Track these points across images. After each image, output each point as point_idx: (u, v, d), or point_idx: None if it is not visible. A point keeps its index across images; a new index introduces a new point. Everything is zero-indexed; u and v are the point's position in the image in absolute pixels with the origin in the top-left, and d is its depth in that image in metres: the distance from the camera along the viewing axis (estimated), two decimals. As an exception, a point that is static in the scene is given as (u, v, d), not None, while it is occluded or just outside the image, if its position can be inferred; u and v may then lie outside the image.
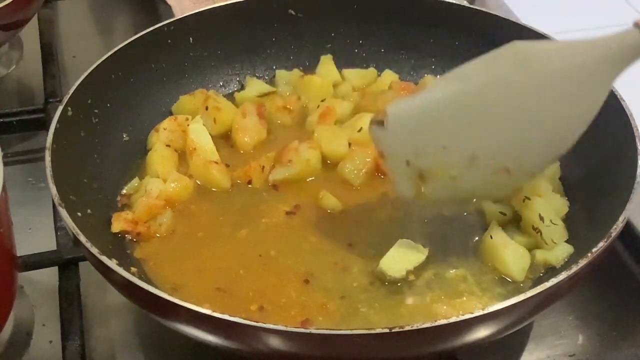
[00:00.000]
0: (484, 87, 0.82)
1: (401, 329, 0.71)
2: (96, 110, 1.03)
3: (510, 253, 0.90)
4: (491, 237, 0.92)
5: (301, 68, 1.20)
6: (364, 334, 0.71)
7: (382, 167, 1.02)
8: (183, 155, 1.06)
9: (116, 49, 1.07)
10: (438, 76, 1.18)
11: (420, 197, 0.87)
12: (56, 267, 0.98)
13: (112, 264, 0.79)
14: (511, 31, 1.10)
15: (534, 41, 0.86)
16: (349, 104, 1.13)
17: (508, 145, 0.83)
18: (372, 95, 1.14)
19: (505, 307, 0.73)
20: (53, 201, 0.86)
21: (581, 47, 0.82)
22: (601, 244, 0.79)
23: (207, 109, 1.09)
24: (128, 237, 0.95)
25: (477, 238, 0.95)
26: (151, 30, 1.11)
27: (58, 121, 0.94)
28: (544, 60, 0.81)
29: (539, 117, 0.82)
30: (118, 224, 0.95)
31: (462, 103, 0.83)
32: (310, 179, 1.03)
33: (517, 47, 0.83)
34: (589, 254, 0.78)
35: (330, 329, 0.72)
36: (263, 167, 1.03)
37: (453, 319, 0.71)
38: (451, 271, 0.91)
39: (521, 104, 0.81)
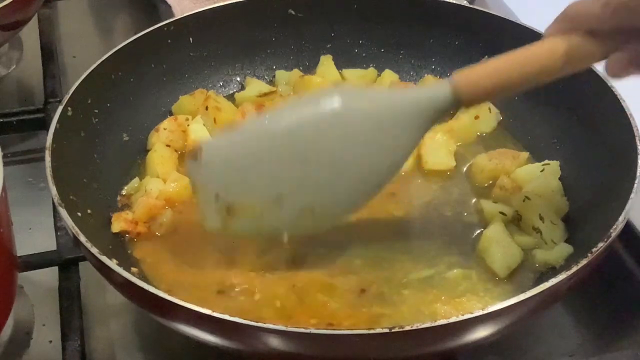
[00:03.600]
0: (293, 129, 0.84)
1: (401, 329, 0.71)
2: (96, 110, 1.02)
3: (498, 249, 0.90)
4: (487, 232, 0.92)
5: (301, 68, 1.20)
6: (364, 334, 0.71)
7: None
8: (183, 155, 1.06)
9: (116, 49, 1.07)
10: (438, 76, 1.18)
11: (227, 231, 0.87)
12: (56, 267, 0.97)
13: (112, 264, 0.79)
14: (511, 31, 1.10)
15: (352, 87, 0.89)
16: (349, 104, 1.13)
17: (313, 188, 0.84)
18: (372, 95, 1.13)
19: (505, 307, 0.73)
20: (53, 201, 0.86)
21: (395, 98, 0.85)
22: (601, 244, 0.79)
23: (207, 109, 1.09)
24: (128, 237, 0.95)
25: (476, 239, 0.95)
26: (151, 30, 1.11)
27: (58, 121, 0.94)
28: (355, 107, 0.83)
29: (344, 162, 0.83)
30: (118, 224, 0.95)
31: (272, 143, 0.85)
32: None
33: (333, 92, 0.85)
34: (589, 254, 0.78)
35: (330, 329, 0.72)
36: (263, 167, 1.02)
37: (453, 319, 0.71)
38: (451, 271, 0.91)
39: (328, 148, 0.83)
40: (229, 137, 0.89)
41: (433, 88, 0.83)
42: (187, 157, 0.89)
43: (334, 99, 0.84)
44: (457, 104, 0.82)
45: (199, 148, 0.87)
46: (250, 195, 0.85)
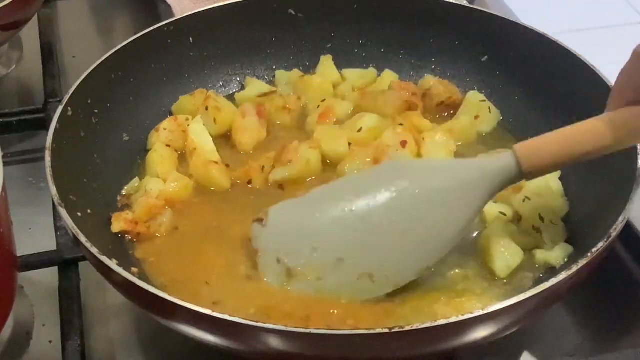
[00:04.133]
0: (358, 194, 0.86)
1: (401, 329, 0.71)
2: (96, 110, 1.03)
3: (498, 249, 0.90)
4: (487, 232, 0.92)
5: (301, 68, 1.20)
6: (364, 334, 0.71)
7: (382, 167, 1.02)
8: (183, 155, 1.06)
9: (116, 49, 1.07)
10: (438, 76, 1.18)
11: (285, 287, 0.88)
12: (56, 267, 0.98)
13: (112, 264, 0.79)
14: (511, 31, 1.10)
15: (412, 160, 0.91)
16: (349, 104, 1.13)
17: (374, 254, 0.86)
18: (372, 95, 1.13)
19: (505, 307, 0.73)
20: (53, 201, 0.86)
21: (458, 167, 0.87)
22: (601, 244, 0.79)
23: (207, 109, 1.09)
24: (128, 237, 0.95)
25: (476, 238, 0.94)
26: (151, 30, 1.11)
27: (58, 121, 0.94)
28: (422, 176, 0.85)
29: (408, 231, 0.85)
30: (118, 224, 0.95)
31: (336, 208, 0.87)
32: (310, 179, 1.03)
33: (397, 164, 0.87)
34: (589, 254, 0.78)
35: (330, 329, 0.72)
36: (263, 167, 1.03)
37: (453, 319, 0.71)
38: (451, 271, 0.91)
39: (392, 218, 0.85)
40: (295, 204, 0.91)
41: (498, 160, 0.84)
42: (253, 220, 0.90)
43: (404, 177, 0.85)
44: (521, 176, 0.83)
45: (265, 213, 0.89)
46: (311, 259, 0.86)
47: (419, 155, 1.05)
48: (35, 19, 1.39)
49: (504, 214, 0.95)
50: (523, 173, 0.83)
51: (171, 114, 1.13)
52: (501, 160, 0.84)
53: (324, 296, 0.86)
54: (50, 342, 0.93)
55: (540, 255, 0.91)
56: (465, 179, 0.85)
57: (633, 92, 0.80)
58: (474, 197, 0.85)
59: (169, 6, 1.40)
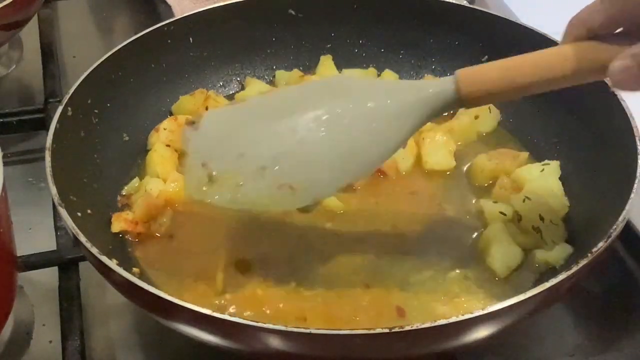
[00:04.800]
0: (293, 106, 0.84)
1: (401, 329, 0.71)
2: (96, 110, 1.02)
3: (498, 249, 0.91)
4: (487, 232, 0.92)
5: (301, 68, 1.20)
6: (364, 334, 0.71)
7: (382, 167, 1.02)
8: (183, 155, 1.06)
9: (116, 49, 1.07)
10: (438, 76, 1.18)
11: (205, 199, 0.86)
12: (56, 267, 0.98)
13: (112, 264, 0.79)
14: (511, 31, 1.10)
15: (353, 78, 0.89)
16: (349, 104, 1.13)
17: (299, 166, 0.83)
18: (372, 95, 1.13)
19: (505, 307, 0.73)
20: (53, 201, 0.86)
21: (396, 89, 0.84)
22: (601, 244, 0.79)
23: (207, 109, 1.09)
24: (128, 237, 0.95)
25: (476, 238, 0.95)
26: (151, 30, 1.11)
27: (58, 121, 0.94)
28: (358, 96, 0.83)
29: (335, 147, 0.83)
30: (118, 224, 0.95)
31: (267, 116, 0.85)
32: (310, 179, 1.03)
33: (337, 80, 0.86)
34: (589, 254, 0.78)
35: (330, 329, 0.72)
36: (263, 167, 1.02)
37: (453, 319, 0.71)
38: (451, 271, 0.91)
39: (322, 133, 0.82)
40: (229, 109, 0.89)
41: (438, 84, 0.82)
42: (186, 124, 0.89)
43: (340, 95, 0.84)
44: (460, 102, 0.81)
45: (199, 116, 0.88)
46: (236, 165, 0.84)
47: (418, 155, 1.05)
48: (35, 19, 1.39)
49: (504, 214, 0.95)
50: (462, 99, 0.80)
51: (171, 114, 1.13)
52: (441, 84, 0.82)
53: (240, 206, 0.85)
54: (50, 342, 0.93)
55: (540, 255, 0.91)
56: (402, 102, 0.82)
57: (586, 30, 0.77)
58: (408, 120, 0.82)
59: (169, 6, 1.40)
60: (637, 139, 0.89)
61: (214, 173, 0.84)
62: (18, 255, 0.90)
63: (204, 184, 0.85)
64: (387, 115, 0.82)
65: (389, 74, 1.18)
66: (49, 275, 0.98)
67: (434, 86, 0.82)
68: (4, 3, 1.17)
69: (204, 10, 1.15)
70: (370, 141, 0.83)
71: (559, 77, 0.78)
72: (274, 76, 1.21)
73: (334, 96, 0.84)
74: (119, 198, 1.01)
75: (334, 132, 0.82)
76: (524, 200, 0.94)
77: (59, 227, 1.01)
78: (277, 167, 0.83)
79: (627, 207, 0.82)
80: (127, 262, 0.91)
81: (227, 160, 0.84)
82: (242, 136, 0.85)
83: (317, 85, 0.85)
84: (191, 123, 0.88)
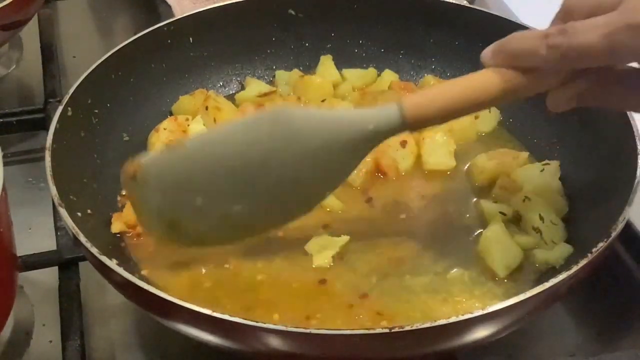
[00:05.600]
0: (241, 152, 0.84)
1: (401, 329, 0.71)
2: (96, 110, 1.03)
3: (498, 249, 0.90)
4: (487, 232, 0.92)
5: (301, 68, 1.20)
6: (364, 334, 0.71)
7: (382, 167, 1.02)
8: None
9: (116, 49, 1.07)
10: (438, 76, 1.18)
11: (171, 243, 0.89)
12: (56, 267, 0.98)
13: (112, 264, 0.79)
14: (511, 31, 1.09)
15: (298, 110, 0.89)
16: (349, 104, 1.13)
17: (259, 207, 0.85)
18: (372, 95, 1.13)
19: (505, 307, 0.73)
20: (53, 201, 0.86)
21: (343, 120, 0.84)
22: (601, 244, 0.79)
23: (207, 109, 1.09)
24: (128, 237, 0.95)
25: (476, 238, 0.95)
26: (151, 30, 1.11)
27: (58, 121, 0.94)
28: (303, 130, 0.83)
29: (290, 183, 0.84)
30: (118, 224, 0.95)
31: (220, 164, 0.84)
32: (310, 179, 1.03)
33: (279, 114, 0.84)
34: (589, 254, 0.78)
35: (330, 329, 0.72)
36: (263, 167, 1.02)
37: (453, 319, 0.71)
38: (451, 271, 0.91)
39: (275, 171, 0.83)
40: (169, 156, 0.87)
41: (381, 110, 0.83)
42: (124, 174, 0.86)
43: (282, 137, 0.83)
44: (403, 127, 0.82)
45: (137, 165, 0.85)
46: (195, 216, 0.85)
47: (418, 155, 1.05)
48: (35, 19, 1.39)
49: (504, 214, 0.95)
50: (407, 124, 0.81)
51: (171, 114, 1.13)
52: (385, 111, 0.82)
53: (205, 246, 0.89)
54: (50, 342, 0.93)
55: (540, 255, 0.91)
56: (347, 140, 0.82)
57: (520, 60, 0.78)
58: (355, 147, 0.83)
59: (169, 6, 1.40)
60: (637, 139, 0.89)
61: (174, 220, 0.85)
62: (18, 255, 0.90)
63: (166, 231, 0.87)
64: (335, 147, 0.82)
65: (389, 74, 1.18)
66: (49, 275, 0.98)
67: (378, 113, 0.83)
68: (4, 3, 1.17)
69: (204, 10, 1.15)
70: (320, 177, 0.84)
71: (487, 103, 0.81)
72: (274, 76, 1.21)
73: (276, 139, 0.83)
74: (119, 198, 1.01)
75: (278, 173, 0.83)
76: (524, 200, 0.94)
77: (59, 227, 1.01)
78: (238, 214, 0.84)
79: (627, 207, 0.82)
80: (127, 262, 0.91)
81: (186, 211, 0.85)
82: (194, 186, 0.85)
83: (258, 122, 0.85)
84: (131, 174, 0.85)
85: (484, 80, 0.80)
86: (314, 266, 0.91)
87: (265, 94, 1.16)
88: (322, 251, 0.92)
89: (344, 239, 0.93)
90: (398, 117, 0.81)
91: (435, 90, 0.83)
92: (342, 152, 0.82)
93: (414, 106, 0.81)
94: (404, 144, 1.03)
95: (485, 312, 0.72)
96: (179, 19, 1.14)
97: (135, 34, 1.10)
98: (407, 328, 0.71)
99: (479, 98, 0.80)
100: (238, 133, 0.85)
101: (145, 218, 0.88)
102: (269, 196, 0.84)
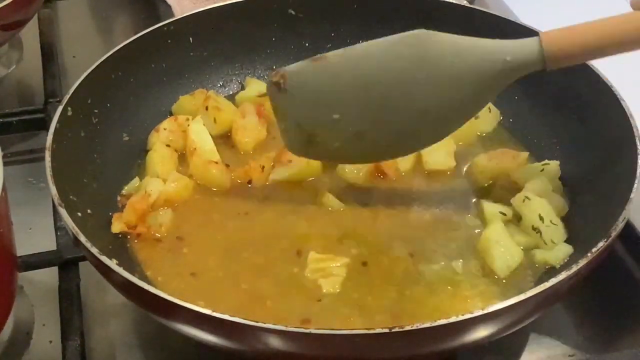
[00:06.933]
0: (381, 70, 0.86)
1: (401, 329, 0.71)
2: (96, 110, 1.03)
3: (499, 248, 0.90)
4: (487, 232, 0.92)
5: (301, 68, 1.20)
6: (364, 334, 0.71)
7: (382, 167, 1.02)
8: (183, 155, 1.06)
9: (116, 49, 1.07)
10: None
11: (308, 156, 0.96)
12: (56, 267, 0.98)
13: (112, 264, 0.79)
14: (511, 31, 1.09)
15: (439, 34, 0.87)
16: (349, 104, 1.13)
17: (392, 129, 0.88)
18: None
19: (505, 307, 0.73)
20: (53, 201, 0.86)
21: (481, 49, 0.85)
22: (601, 244, 0.79)
23: (207, 109, 1.09)
24: (128, 237, 0.95)
25: (476, 238, 0.95)
26: (151, 30, 1.11)
27: (58, 121, 0.94)
28: (442, 55, 0.84)
29: (425, 108, 0.86)
30: (118, 224, 0.95)
31: (360, 81, 0.87)
32: (310, 179, 1.03)
33: (420, 37, 0.85)
34: (589, 254, 0.78)
35: (330, 329, 0.72)
36: (263, 167, 1.02)
37: (453, 319, 0.71)
38: (450, 271, 0.91)
39: (414, 94, 0.85)
40: (311, 69, 0.89)
41: (520, 42, 0.83)
42: (270, 82, 0.90)
43: (426, 58, 0.85)
44: (541, 62, 0.82)
45: (282, 76, 0.89)
46: (332, 129, 0.88)
47: (419, 155, 1.05)
48: (35, 19, 1.39)
49: (504, 214, 0.95)
50: (548, 60, 0.82)
51: (171, 114, 1.13)
52: (524, 45, 0.83)
53: (335, 162, 0.97)
54: (50, 342, 0.93)
55: (540, 255, 0.91)
56: (485, 72, 0.84)
57: None
58: (486, 90, 0.85)
59: (169, 6, 1.40)
60: (637, 139, 0.90)
61: (311, 133, 0.89)
62: (18, 255, 0.90)
63: (303, 144, 0.91)
64: (470, 86, 0.84)
65: (389, 74, 1.18)
66: (49, 275, 0.98)
67: (517, 46, 0.83)
68: (4, 3, 1.17)
69: (204, 10, 1.15)
70: (455, 107, 0.86)
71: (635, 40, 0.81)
72: (274, 76, 1.21)
73: (419, 60, 0.85)
74: (119, 198, 1.01)
75: (421, 98, 0.85)
76: (524, 200, 0.94)
77: (59, 227, 1.01)
78: (373, 133, 0.88)
79: (627, 207, 0.82)
80: (127, 262, 0.91)
81: (323, 124, 0.88)
82: (334, 99, 0.88)
83: (402, 43, 0.86)
84: (276, 83, 0.89)
85: (631, 20, 0.80)
86: (324, 291, 0.89)
87: (265, 94, 1.15)
88: (328, 277, 0.90)
89: (345, 260, 0.92)
90: (537, 51, 0.81)
91: (578, 27, 0.83)
92: (476, 83, 0.83)
93: (554, 40, 0.81)
94: (404, 144, 1.03)
95: (485, 312, 0.72)
96: (178, 19, 1.14)
97: (135, 34, 1.10)
98: (407, 328, 0.71)
99: (623, 39, 0.80)
100: (379, 50, 0.87)
101: (284, 128, 0.92)
102: (400, 117, 0.86)
